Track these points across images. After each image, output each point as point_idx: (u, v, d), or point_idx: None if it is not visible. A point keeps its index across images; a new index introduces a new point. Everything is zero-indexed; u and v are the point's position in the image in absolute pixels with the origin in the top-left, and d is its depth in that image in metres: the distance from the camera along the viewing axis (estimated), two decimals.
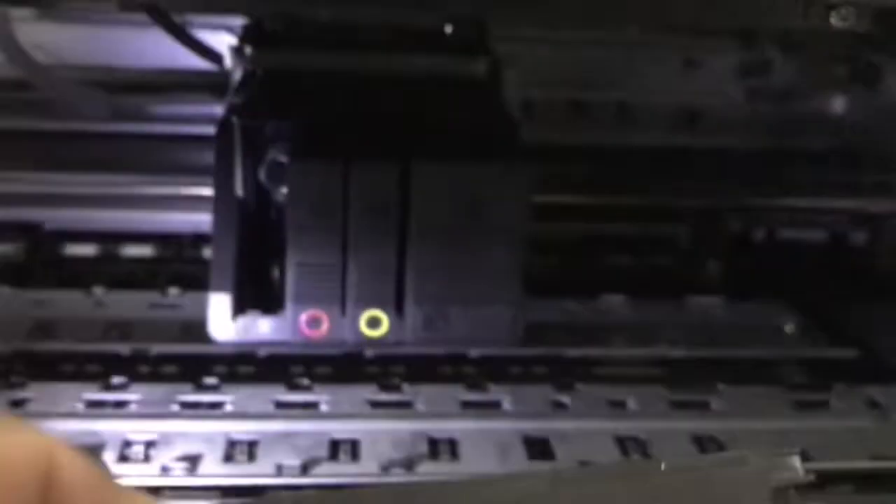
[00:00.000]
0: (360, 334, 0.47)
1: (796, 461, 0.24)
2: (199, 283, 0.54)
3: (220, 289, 0.50)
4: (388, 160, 0.47)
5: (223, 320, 0.50)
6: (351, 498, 0.24)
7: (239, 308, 0.50)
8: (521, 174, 0.48)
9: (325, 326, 0.47)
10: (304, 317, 0.47)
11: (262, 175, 0.52)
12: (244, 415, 0.45)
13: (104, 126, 0.68)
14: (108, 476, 0.20)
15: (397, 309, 0.48)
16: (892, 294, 0.69)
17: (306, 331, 0.47)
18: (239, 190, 0.51)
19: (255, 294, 0.51)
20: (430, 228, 0.47)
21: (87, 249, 0.66)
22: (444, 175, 0.47)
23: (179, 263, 0.66)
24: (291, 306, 0.47)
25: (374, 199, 0.47)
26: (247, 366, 0.51)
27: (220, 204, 0.51)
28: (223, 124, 0.50)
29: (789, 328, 0.63)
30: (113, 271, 0.64)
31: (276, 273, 0.51)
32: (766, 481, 0.24)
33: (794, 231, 0.76)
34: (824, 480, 0.40)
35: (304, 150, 0.48)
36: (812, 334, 0.62)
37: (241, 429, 0.44)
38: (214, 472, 0.41)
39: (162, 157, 0.68)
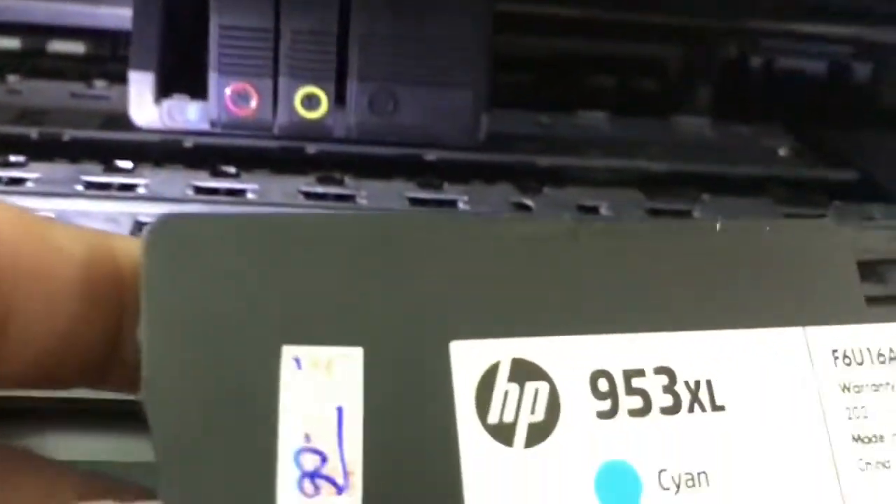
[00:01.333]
0: (295, 114, 0.41)
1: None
2: None
3: (141, 67, 0.44)
4: None
5: (145, 103, 0.44)
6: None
7: (163, 90, 0.44)
8: None
9: (254, 103, 0.41)
10: (229, 91, 0.41)
11: None
12: (157, 197, 0.39)
13: None
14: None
15: (338, 87, 0.41)
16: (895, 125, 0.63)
17: (232, 107, 0.41)
18: None
19: (185, 78, 0.45)
20: None
21: (10, 43, 0.59)
22: None
23: (114, 63, 0.59)
24: (216, 78, 0.41)
25: None
26: (169, 153, 0.45)
27: None
28: None
29: (784, 150, 0.57)
30: (38, 66, 0.58)
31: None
32: (853, 252, 0.19)
33: (794, 60, 0.70)
34: None
35: None
36: (808, 157, 0.56)
37: (152, 210, 0.38)
38: None
39: None
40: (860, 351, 0.18)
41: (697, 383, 0.17)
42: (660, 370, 0.17)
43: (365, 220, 0.21)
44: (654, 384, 0.17)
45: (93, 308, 0.16)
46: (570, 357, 0.17)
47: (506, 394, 0.16)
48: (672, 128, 0.59)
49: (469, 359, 0.16)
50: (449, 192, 0.43)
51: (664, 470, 0.17)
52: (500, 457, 0.16)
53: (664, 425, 0.17)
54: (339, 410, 0.16)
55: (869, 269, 0.18)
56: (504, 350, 0.17)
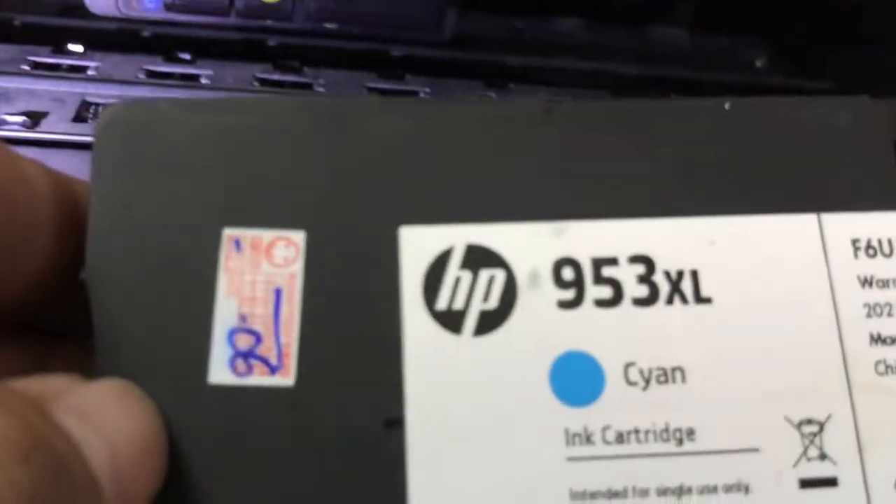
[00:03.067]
0: None
1: None
2: None
3: None
4: None
5: None
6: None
7: None
8: None
9: None
10: None
11: None
12: (106, 79, 0.38)
13: None
14: None
15: None
16: (875, 45, 0.62)
17: None
18: None
19: None
20: None
21: None
22: None
23: None
24: None
25: None
26: (126, 43, 0.43)
27: None
28: None
29: (761, 62, 0.56)
30: None
31: None
32: (890, 133, 0.17)
33: None
34: None
35: None
36: (785, 69, 0.55)
37: (100, 92, 0.37)
38: (58, 129, 0.34)
39: None
40: (889, 242, 0.16)
41: (680, 273, 0.16)
42: (636, 259, 0.16)
43: (315, 102, 0.21)
44: (627, 274, 0.16)
45: (59, 239, 0.16)
46: (531, 244, 0.16)
47: (457, 280, 0.16)
48: (648, 37, 0.57)
49: (419, 245, 0.16)
50: (411, 83, 0.42)
51: (632, 364, 0.15)
52: (446, 344, 0.15)
53: (636, 317, 0.16)
54: (278, 293, 0.15)
55: None
56: (458, 236, 0.16)
